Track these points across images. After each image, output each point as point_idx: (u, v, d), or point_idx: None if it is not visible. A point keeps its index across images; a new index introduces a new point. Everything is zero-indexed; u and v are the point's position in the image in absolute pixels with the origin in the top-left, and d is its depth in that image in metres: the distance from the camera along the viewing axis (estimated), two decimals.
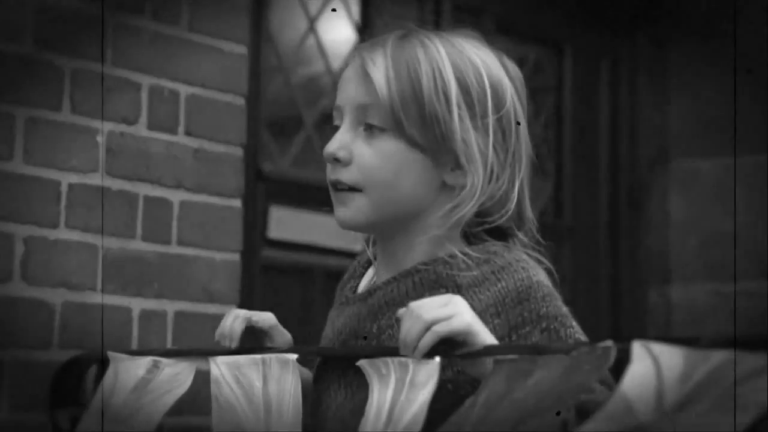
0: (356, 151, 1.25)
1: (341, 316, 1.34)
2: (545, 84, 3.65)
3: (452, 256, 1.24)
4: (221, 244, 2.34)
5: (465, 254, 1.23)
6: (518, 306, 1.20)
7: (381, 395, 1.06)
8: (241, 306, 2.44)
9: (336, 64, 3.18)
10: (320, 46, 3.16)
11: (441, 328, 1.08)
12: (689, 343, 0.90)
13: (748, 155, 3.42)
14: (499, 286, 1.21)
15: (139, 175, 2.24)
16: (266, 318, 1.28)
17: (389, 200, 1.24)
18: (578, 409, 1.11)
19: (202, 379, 1.33)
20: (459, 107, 1.24)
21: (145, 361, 1.31)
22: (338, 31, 3.20)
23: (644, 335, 0.95)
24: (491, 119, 1.25)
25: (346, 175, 1.25)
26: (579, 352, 0.99)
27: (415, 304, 1.11)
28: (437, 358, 1.06)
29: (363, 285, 1.38)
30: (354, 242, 3.16)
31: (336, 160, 1.26)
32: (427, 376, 1.04)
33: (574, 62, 3.66)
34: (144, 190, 2.24)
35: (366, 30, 3.19)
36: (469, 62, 1.26)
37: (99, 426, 1.24)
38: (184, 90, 2.32)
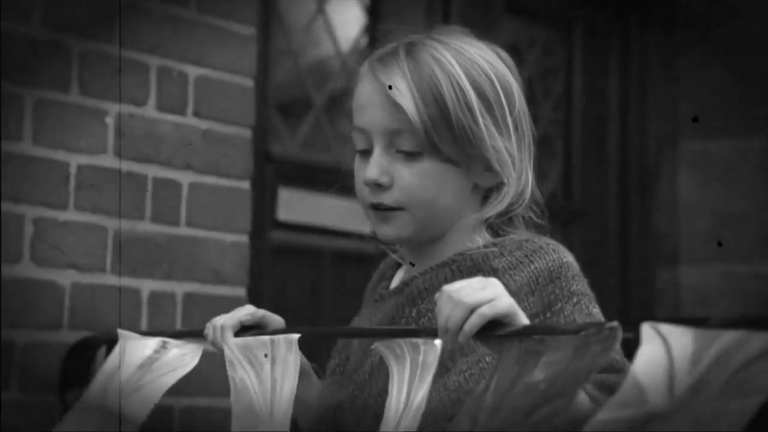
0: (395, 175, 1.30)
1: (378, 311, 1.36)
2: (554, 65, 3.64)
3: (486, 245, 1.30)
4: (230, 225, 2.34)
5: (497, 244, 1.30)
6: (550, 284, 1.26)
7: (400, 374, 1.07)
8: (250, 288, 2.45)
9: (345, 45, 3.17)
10: (329, 28, 3.15)
11: (487, 311, 1.09)
12: (698, 324, 0.90)
13: (759, 137, 3.41)
14: (533, 267, 1.26)
15: (148, 156, 2.24)
16: (251, 312, 1.29)
17: (431, 214, 1.30)
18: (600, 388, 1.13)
19: (211, 361, 1.33)
20: (482, 115, 1.29)
21: (154, 342, 1.32)
22: (347, 13, 3.19)
23: (653, 317, 0.96)
24: (510, 120, 1.31)
25: (388, 198, 1.31)
26: (587, 333, 1.00)
27: (451, 288, 1.11)
28: (438, 341, 1.07)
29: (394, 284, 1.42)
30: (363, 224, 3.17)
31: (378, 186, 1.31)
32: (433, 358, 1.05)
33: (584, 43, 3.65)
34: (153, 171, 2.24)
35: (374, 12, 3.19)
36: (480, 68, 1.31)
37: (102, 399, 1.25)
38: (192, 71, 2.31)
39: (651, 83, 3.65)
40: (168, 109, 2.28)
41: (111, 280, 2.16)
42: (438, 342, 1.08)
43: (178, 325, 2.24)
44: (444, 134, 1.27)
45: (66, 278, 2.10)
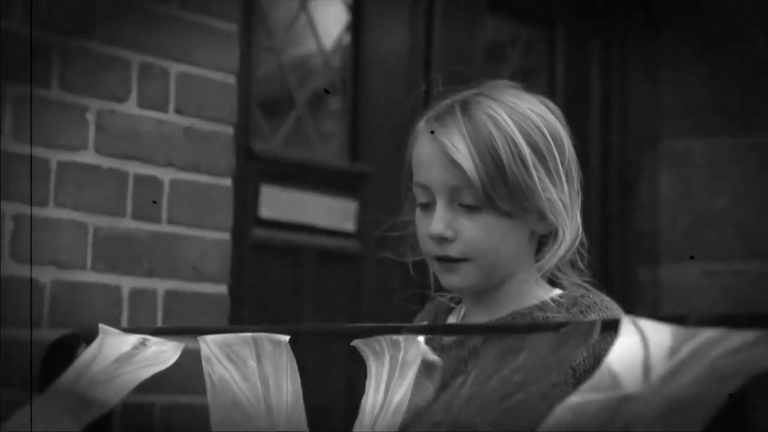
0: (459, 228, 1.38)
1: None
2: (537, 63, 3.64)
3: (544, 302, 1.39)
4: (212, 222, 2.34)
5: (555, 300, 1.39)
6: (603, 341, 1.29)
7: (378, 374, 1.07)
8: (231, 285, 2.45)
9: (328, 43, 3.17)
10: (312, 26, 3.15)
11: None
12: (678, 321, 0.90)
13: (740, 136, 3.43)
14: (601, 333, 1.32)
15: (129, 153, 2.23)
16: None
17: (494, 264, 1.39)
18: None
19: (194, 358, 1.33)
20: (536, 169, 1.37)
21: (134, 338, 1.32)
22: (330, 11, 3.19)
23: (634, 315, 0.97)
24: (562, 170, 1.39)
25: (453, 250, 1.39)
26: (567, 329, 1.00)
27: None
28: (420, 337, 1.07)
29: None
30: (345, 222, 3.17)
31: (443, 239, 1.39)
32: (414, 355, 1.05)
33: (566, 41, 3.65)
34: (134, 168, 2.23)
35: (357, 10, 3.19)
36: (532, 123, 1.38)
37: (74, 385, 1.25)
38: (174, 68, 2.31)
39: (632, 82, 3.66)
40: (149, 106, 2.27)
41: (92, 277, 2.15)
42: (421, 338, 1.08)
43: (159, 323, 2.23)
44: (500, 190, 1.35)
45: (46, 275, 2.09)
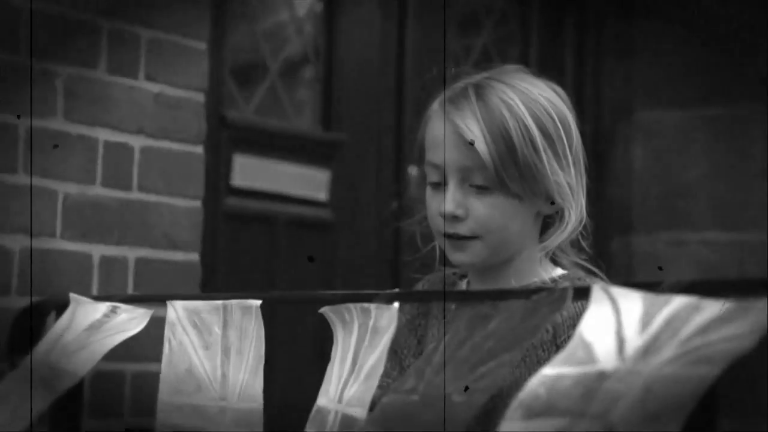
0: (470, 207, 1.44)
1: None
2: (511, 34, 3.63)
3: (544, 282, 1.45)
4: (183, 190, 2.32)
5: (554, 280, 1.45)
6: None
7: (345, 341, 1.07)
8: (203, 254, 2.43)
9: (301, 11, 3.14)
10: None
11: None
12: (649, 288, 0.90)
13: (713, 107, 3.44)
14: (578, 304, 1.33)
15: (99, 119, 2.21)
16: None
17: (502, 243, 1.44)
18: None
19: (163, 326, 1.32)
20: (545, 153, 1.42)
21: (105, 306, 1.31)
22: None
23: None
24: (569, 154, 1.44)
25: (463, 228, 1.44)
26: (539, 296, 1.00)
27: None
28: (396, 304, 1.07)
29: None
30: (317, 191, 3.16)
31: (455, 218, 1.44)
32: (388, 321, 1.04)
33: (540, 13, 3.65)
34: (104, 135, 2.21)
35: None
36: (542, 108, 1.43)
37: (46, 356, 1.24)
38: (145, 34, 2.28)
39: (606, 53, 3.66)
40: (119, 72, 2.25)
41: (61, 244, 2.14)
42: (395, 305, 1.08)
43: (130, 290, 2.22)
44: (511, 172, 1.41)
45: (15, 243, 2.07)
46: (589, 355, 0.88)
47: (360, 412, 1.03)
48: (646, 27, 3.55)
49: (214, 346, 1.15)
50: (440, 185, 1.45)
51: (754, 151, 3.30)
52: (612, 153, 3.58)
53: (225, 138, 2.84)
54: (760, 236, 3.29)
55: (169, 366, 1.17)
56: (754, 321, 0.81)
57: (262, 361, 1.14)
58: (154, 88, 2.30)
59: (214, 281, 2.68)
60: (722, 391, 0.90)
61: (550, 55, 3.67)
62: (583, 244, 1.50)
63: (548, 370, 0.88)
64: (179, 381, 1.16)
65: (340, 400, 1.05)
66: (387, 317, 1.06)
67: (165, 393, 1.17)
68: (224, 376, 1.14)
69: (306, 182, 3.06)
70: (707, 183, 3.42)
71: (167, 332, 1.18)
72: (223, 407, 1.13)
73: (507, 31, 3.63)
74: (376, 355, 1.05)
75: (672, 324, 0.86)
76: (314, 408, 1.07)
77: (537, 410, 0.85)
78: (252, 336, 1.14)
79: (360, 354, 1.06)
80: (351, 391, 1.04)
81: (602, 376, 0.85)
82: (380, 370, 1.04)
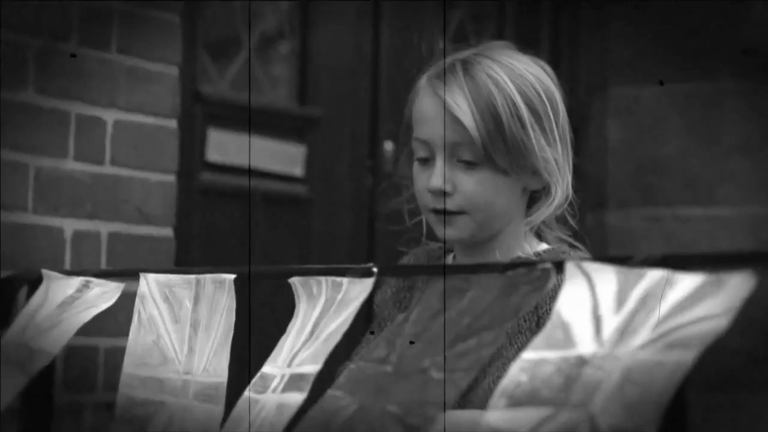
0: (457, 182, 1.44)
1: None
2: (487, 10, 3.62)
3: (528, 256, 1.46)
4: (156, 165, 2.31)
5: (538, 255, 1.46)
6: None
7: (307, 314, 1.06)
8: (177, 229, 2.42)
9: None
10: None
11: None
12: (621, 262, 0.90)
13: (688, 83, 3.45)
14: (559, 276, 1.34)
15: (71, 93, 2.19)
16: None
17: (488, 218, 1.45)
18: None
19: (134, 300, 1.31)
20: (532, 128, 1.43)
21: (77, 281, 1.30)
22: None
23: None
24: (556, 130, 1.45)
25: (450, 204, 1.45)
26: (515, 272, 0.99)
27: None
28: (375, 271, 1.06)
29: None
30: (293, 166, 3.14)
31: (443, 193, 1.45)
32: (359, 292, 1.03)
33: None
34: (76, 108, 2.19)
35: None
36: (530, 84, 1.44)
37: (21, 336, 1.24)
38: (117, 6, 2.26)
39: (582, 28, 3.66)
40: (91, 44, 2.22)
41: (33, 219, 2.12)
42: (369, 279, 1.07)
43: (103, 266, 2.21)
44: (499, 147, 1.41)
45: None
46: (568, 337, 0.87)
47: (311, 369, 1.02)
48: (622, 2, 3.55)
49: (184, 320, 1.14)
50: (428, 161, 1.46)
51: (728, 126, 3.32)
52: (587, 128, 3.59)
53: (199, 113, 2.82)
54: (734, 212, 3.30)
55: (136, 338, 1.16)
56: (729, 297, 0.81)
57: (230, 336, 1.14)
58: (127, 61, 2.28)
59: (189, 256, 2.67)
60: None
61: (525, 31, 3.66)
62: (570, 219, 1.51)
63: (529, 355, 0.87)
64: (145, 353, 1.15)
65: (289, 365, 1.04)
66: (358, 290, 1.05)
67: (129, 365, 1.17)
68: (191, 350, 1.13)
69: (281, 157, 3.04)
70: (681, 158, 3.44)
71: (137, 304, 1.18)
72: (187, 380, 1.12)
73: (483, 7, 3.61)
74: (339, 321, 1.04)
75: (647, 302, 0.86)
76: (257, 374, 1.06)
77: (520, 398, 0.85)
78: (222, 311, 1.13)
79: (320, 324, 1.05)
80: (304, 355, 1.03)
81: (581, 361, 0.85)
82: (341, 334, 1.03)
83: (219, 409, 1.10)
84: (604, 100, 3.57)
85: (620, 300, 0.87)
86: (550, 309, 1.36)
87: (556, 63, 3.67)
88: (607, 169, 3.52)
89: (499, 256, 1.46)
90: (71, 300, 1.26)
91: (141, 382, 1.15)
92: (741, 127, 3.27)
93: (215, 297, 1.15)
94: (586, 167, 3.55)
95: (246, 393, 1.05)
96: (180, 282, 1.17)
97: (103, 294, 1.24)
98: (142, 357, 1.16)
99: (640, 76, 3.51)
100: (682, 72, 3.43)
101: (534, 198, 1.49)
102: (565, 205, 1.48)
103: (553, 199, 1.46)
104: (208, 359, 1.13)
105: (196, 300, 1.15)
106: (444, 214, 1.44)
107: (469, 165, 1.43)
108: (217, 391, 1.10)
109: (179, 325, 1.14)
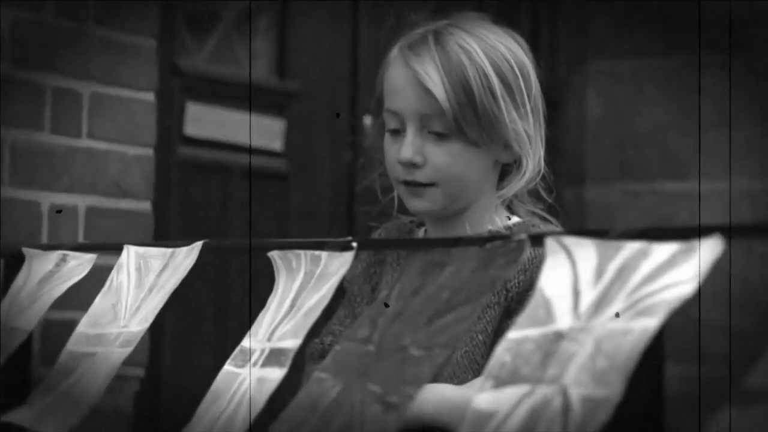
0: (427, 154, 1.43)
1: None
2: None
3: (499, 230, 1.45)
4: (134, 138, 2.29)
5: (509, 228, 1.45)
6: (540, 266, 1.35)
7: (286, 287, 1.06)
8: (155, 203, 2.41)
9: None
10: None
11: None
12: (600, 235, 0.90)
13: (668, 57, 3.45)
14: (532, 250, 1.34)
15: (46, 65, 2.17)
16: None
17: (459, 190, 1.44)
18: None
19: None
20: (503, 100, 1.42)
21: (55, 255, 1.30)
22: None
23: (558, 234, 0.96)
24: (528, 103, 1.44)
25: (420, 175, 1.43)
26: (493, 245, 0.99)
27: None
28: (351, 251, 1.05)
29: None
30: (272, 141, 3.13)
31: (413, 165, 1.43)
32: (338, 266, 1.03)
33: None
34: (52, 80, 2.18)
35: None
36: (502, 56, 1.44)
37: (7, 316, 1.24)
38: None
39: (561, 2, 3.65)
40: (68, 15, 2.20)
41: (9, 192, 2.11)
42: (348, 252, 1.06)
43: (81, 239, 2.20)
44: (470, 119, 1.40)
45: None
46: (549, 314, 0.88)
47: (291, 344, 1.02)
48: None
49: (144, 284, 1.15)
50: (399, 132, 1.44)
51: (706, 101, 3.33)
52: (565, 103, 3.59)
53: (177, 86, 2.80)
54: (711, 186, 3.32)
55: (99, 302, 1.17)
56: (697, 263, 0.82)
57: (171, 291, 1.14)
58: (105, 33, 2.26)
59: (167, 230, 2.66)
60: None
61: (505, 4, 3.65)
62: (543, 193, 1.50)
63: (513, 334, 0.87)
64: (101, 314, 1.16)
65: (269, 339, 1.04)
66: (337, 263, 1.04)
67: (84, 324, 1.18)
68: (138, 308, 1.14)
69: (260, 132, 3.03)
70: (660, 133, 3.45)
71: (113, 272, 1.19)
72: (120, 332, 1.14)
73: None
74: (318, 296, 1.03)
75: (622, 274, 0.86)
76: (237, 348, 1.06)
77: (505, 378, 0.85)
78: (180, 272, 1.13)
79: (300, 297, 1.04)
80: (284, 329, 1.03)
81: (558, 336, 0.85)
82: (321, 308, 1.03)
83: (127, 350, 1.11)
84: (583, 74, 3.57)
85: (598, 273, 0.88)
86: (519, 282, 1.37)
87: (535, 37, 3.67)
88: (586, 144, 3.53)
89: (470, 229, 1.45)
90: (50, 275, 1.26)
91: (86, 338, 1.16)
92: (719, 102, 3.28)
93: (181, 264, 1.15)
94: (565, 142, 3.56)
95: (228, 366, 1.05)
96: (156, 254, 1.17)
97: (77, 267, 1.24)
98: (97, 318, 1.17)
99: (618, 50, 3.51)
100: (661, 46, 3.43)
101: (506, 171, 1.48)
102: (538, 179, 1.48)
103: (525, 172, 1.45)
104: (144, 312, 1.13)
105: (164, 268, 1.15)
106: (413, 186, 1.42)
107: (440, 136, 1.42)
108: (135, 337, 1.11)
109: (139, 289, 1.15)
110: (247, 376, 1.03)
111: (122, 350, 1.12)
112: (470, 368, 1.39)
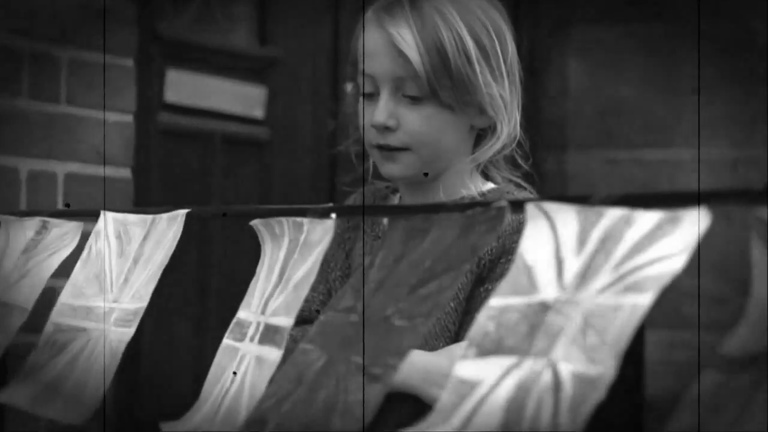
0: (401, 118, 1.42)
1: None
2: None
3: (473, 197, 1.44)
4: (113, 104, 2.28)
5: (483, 194, 1.44)
6: (515, 234, 1.36)
7: (273, 255, 1.05)
8: (135, 169, 2.39)
9: None
10: None
11: None
12: (581, 201, 0.89)
13: (649, 23, 3.44)
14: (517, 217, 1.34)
15: (23, 30, 2.15)
16: None
17: (433, 155, 1.43)
18: None
19: None
20: (479, 64, 1.41)
21: (34, 222, 1.28)
22: None
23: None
24: (504, 67, 1.43)
25: (394, 139, 1.42)
26: (474, 211, 0.99)
27: None
28: (332, 217, 1.05)
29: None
30: (253, 108, 3.11)
31: (386, 128, 1.42)
32: (321, 234, 1.02)
33: None
34: (29, 46, 2.15)
35: None
36: (477, 18, 1.42)
37: None
38: None
39: None
40: None
41: None
42: (330, 219, 1.06)
43: (60, 206, 2.18)
44: (444, 82, 1.39)
45: None
46: (532, 282, 0.87)
47: (285, 321, 1.02)
48: None
49: (128, 254, 1.14)
50: (373, 96, 1.43)
51: (687, 69, 3.32)
52: (548, 69, 3.58)
53: (157, 52, 2.77)
54: (692, 154, 3.33)
55: (80, 270, 1.16)
56: (685, 235, 0.81)
57: (164, 265, 1.13)
58: None
59: (147, 197, 2.65)
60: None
61: None
62: (519, 160, 1.49)
63: (495, 302, 0.87)
64: (84, 284, 1.15)
65: (263, 312, 1.04)
66: (320, 231, 1.04)
67: (66, 294, 1.17)
68: (126, 281, 1.13)
69: (241, 99, 3.01)
70: (641, 101, 3.45)
71: (90, 239, 1.17)
72: (112, 308, 1.13)
73: None
74: (306, 267, 1.03)
75: (606, 243, 0.86)
76: (233, 320, 1.06)
77: (488, 347, 0.85)
78: (166, 243, 1.12)
79: (288, 267, 1.04)
80: (276, 302, 1.03)
81: (544, 306, 0.85)
82: (310, 282, 1.03)
83: (130, 331, 1.10)
84: (566, 41, 3.56)
85: (581, 241, 0.87)
86: (492, 249, 1.37)
87: (517, 2, 3.65)
88: (567, 111, 3.53)
89: (444, 195, 1.44)
90: (33, 245, 1.24)
91: (72, 309, 1.15)
92: (701, 70, 3.28)
93: (165, 233, 1.14)
94: (547, 109, 3.55)
95: (227, 341, 1.05)
96: (136, 220, 1.16)
97: (63, 236, 1.22)
98: (80, 288, 1.15)
99: (602, 16, 3.50)
100: (644, 12, 3.42)
101: (481, 137, 1.46)
102: (513, 145, 1.47)
103: (499, 137, 1.44)
104: (136, 288, 1.12)
105: (146, 237, 1.14)
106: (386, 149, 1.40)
107: (414, 100, 1.41)
108: (134, 316, 1.10)
109: (122, 258, 1.14)
110: (247, 352, 1.03)
111: (121, 330, 1.10)
112: (442, 335, 1.39)
